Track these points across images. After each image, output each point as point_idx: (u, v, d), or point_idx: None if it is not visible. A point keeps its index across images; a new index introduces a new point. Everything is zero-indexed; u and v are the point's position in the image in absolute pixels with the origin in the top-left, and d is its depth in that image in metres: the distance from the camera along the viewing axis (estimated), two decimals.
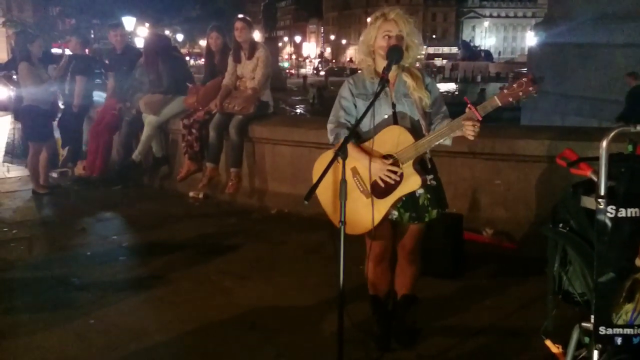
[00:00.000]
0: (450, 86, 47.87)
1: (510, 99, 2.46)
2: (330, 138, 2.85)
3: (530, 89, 2.44)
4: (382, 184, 2.75)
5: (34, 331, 3.32)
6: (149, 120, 6.63)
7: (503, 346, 3.09)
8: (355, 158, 2.75)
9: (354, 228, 2.75)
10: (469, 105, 2.55)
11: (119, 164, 6.89)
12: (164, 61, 6.70)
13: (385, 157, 2.75)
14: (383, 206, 2.77)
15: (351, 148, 2.68)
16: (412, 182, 2.74)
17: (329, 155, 2.72)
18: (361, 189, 2.79)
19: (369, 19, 2.88)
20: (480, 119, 2.52)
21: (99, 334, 3.30)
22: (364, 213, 2.76)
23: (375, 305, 3.12)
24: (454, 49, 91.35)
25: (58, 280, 4.08)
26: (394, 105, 2.81)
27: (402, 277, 3.09)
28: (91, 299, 3.78)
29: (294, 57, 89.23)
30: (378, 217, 2.76)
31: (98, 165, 7.03)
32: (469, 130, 2.56)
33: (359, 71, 2.93)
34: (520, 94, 2.45)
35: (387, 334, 3.07)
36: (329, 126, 2.87)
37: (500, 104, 2.50)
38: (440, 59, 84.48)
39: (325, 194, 2.83)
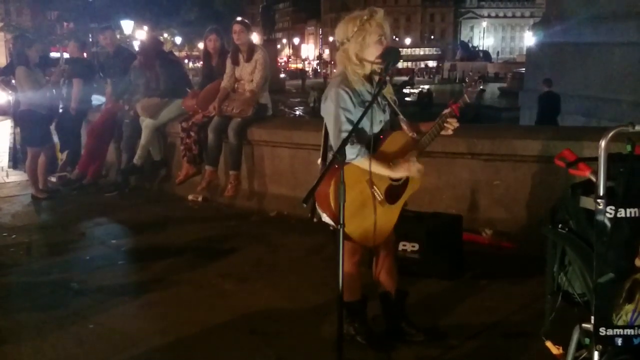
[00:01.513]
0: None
1: (474, 95, 2.83)
2: (352, 156, 2.64)
3: (480, 84, 2.90)
4: (398, 186, 2.83)
5: (34, 336, 3.31)
6: (147, 123, 6.63)
7: (503, 346, 3.08)
8: (385, 171, 2.72)
9: (377, 239, 2.80)
10: (452, 106, 2.77)
11: (122, 169, 6.91)
12: (161, 64, 6.70)
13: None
14: (397, 209, 2.88)
15: (376, 163, 2.67)
16: (415, 181, 2.89)
17: (349, 169, 2.58)
18: (379, 199, 2.78)
19: (351, 23, 2.70)
20: (458, 115, 2.78)
21: (98, 338, 3.29)
22: (383, 221, 2.81)
23: (364, 307, 3.09)
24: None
25: (57, 285, 4.08)
26: (384, 110, 2.84)
27: (393, 274, 3.09)
28: (90, 303, 3.78)
29: (291, 58, 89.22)
30: (394, 220, 2.88)
31: (92, 169, 7.07)
32: (455, 125, 2.76)
33: (339, 78, 2.75)
34: (477, 88, 2.87)
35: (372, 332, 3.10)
36: (341, 142, 2.60)
37: (469, 101, 2.78)
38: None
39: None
